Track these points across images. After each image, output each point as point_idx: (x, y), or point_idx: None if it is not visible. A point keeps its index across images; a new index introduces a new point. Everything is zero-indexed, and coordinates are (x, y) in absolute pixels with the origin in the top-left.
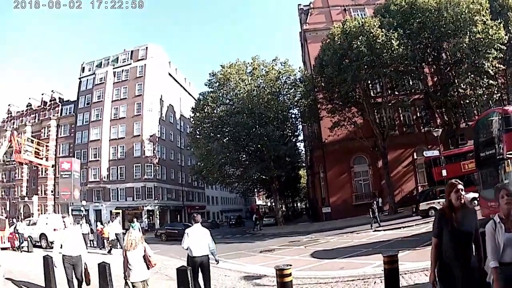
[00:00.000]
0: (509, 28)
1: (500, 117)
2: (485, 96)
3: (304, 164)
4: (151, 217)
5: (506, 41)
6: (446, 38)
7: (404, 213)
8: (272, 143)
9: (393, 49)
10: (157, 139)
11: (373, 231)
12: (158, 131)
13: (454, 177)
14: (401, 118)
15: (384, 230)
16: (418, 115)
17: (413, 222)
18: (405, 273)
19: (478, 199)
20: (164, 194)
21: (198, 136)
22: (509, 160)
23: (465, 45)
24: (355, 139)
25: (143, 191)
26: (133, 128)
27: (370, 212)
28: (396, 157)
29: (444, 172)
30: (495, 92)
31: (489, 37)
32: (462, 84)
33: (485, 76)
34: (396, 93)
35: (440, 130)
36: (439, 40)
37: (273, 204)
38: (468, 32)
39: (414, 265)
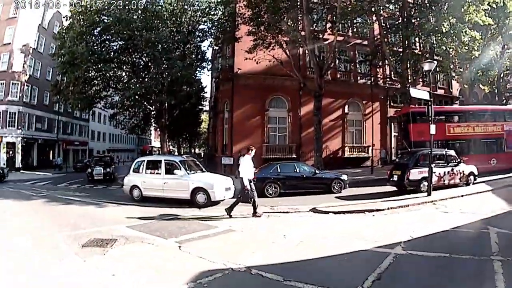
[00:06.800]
0: None
1: None
2: (465, 48)
3: (206, 106)
4: (10, 152)
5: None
6: None
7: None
8: (164, 55)
9: None
10: (30, 50)
11: (309, 210)
12: (35, 40)
13: (435, 140)
14: (336, 62)
15: (335, 211)
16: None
17: (388, 201)
18: None
19: None
20: (32, 123)
21: (65, 39)
22: None
23: None
24: (277, 75)
25: (4, 117)
26: (4, 34)
27: None
28: (324, 107)
29: (432, 129)
30: (475, 49)
31: None
32: (441, 28)
33: (467, 27)
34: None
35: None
36: None
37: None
38: None
39: None
